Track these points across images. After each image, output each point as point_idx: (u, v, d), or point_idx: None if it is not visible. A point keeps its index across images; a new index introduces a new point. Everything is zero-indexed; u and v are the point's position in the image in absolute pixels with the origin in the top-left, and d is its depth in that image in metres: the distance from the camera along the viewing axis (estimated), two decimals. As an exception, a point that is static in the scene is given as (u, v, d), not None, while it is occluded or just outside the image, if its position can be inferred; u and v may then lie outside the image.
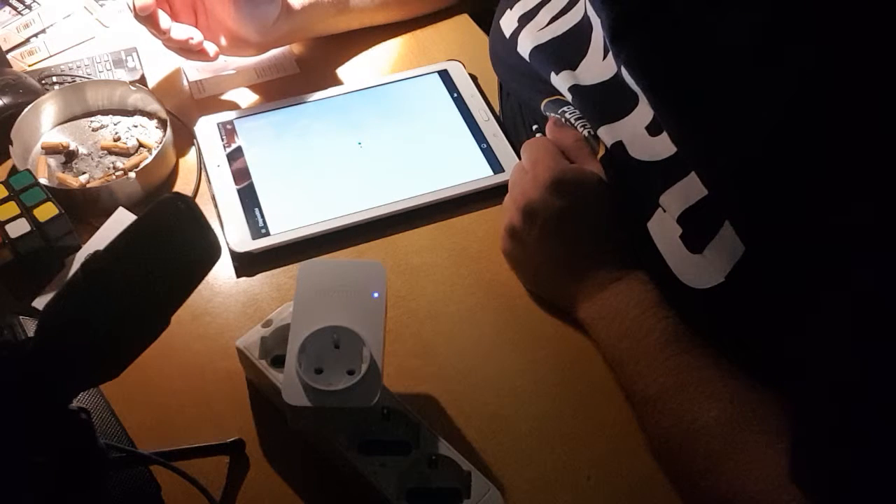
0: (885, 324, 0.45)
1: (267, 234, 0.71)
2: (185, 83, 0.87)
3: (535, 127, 0.76)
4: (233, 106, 0.84)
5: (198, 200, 0.75)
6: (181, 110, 0.83)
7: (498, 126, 0.79)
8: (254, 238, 0.71)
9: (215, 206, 0.74)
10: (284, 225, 0.72)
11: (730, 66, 0.54)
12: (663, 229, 0.60)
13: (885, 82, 0.47)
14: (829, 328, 0.49)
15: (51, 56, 0.89)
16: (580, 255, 0.64)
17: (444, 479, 0.55)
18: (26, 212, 0.67)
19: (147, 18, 0.74)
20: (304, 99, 0.83)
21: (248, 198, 0.74)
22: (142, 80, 0.85)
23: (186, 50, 0.79)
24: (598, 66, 0.67)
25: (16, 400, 0.44)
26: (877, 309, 0.46)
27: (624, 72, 0.62)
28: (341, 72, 0.88)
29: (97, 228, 0.71)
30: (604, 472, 0.59)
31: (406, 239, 0.73)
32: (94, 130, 0.80)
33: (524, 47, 0.75)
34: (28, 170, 0.70)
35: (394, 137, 0.79)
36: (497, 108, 0.82)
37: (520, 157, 0.70)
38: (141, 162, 0.76)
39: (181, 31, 0.77)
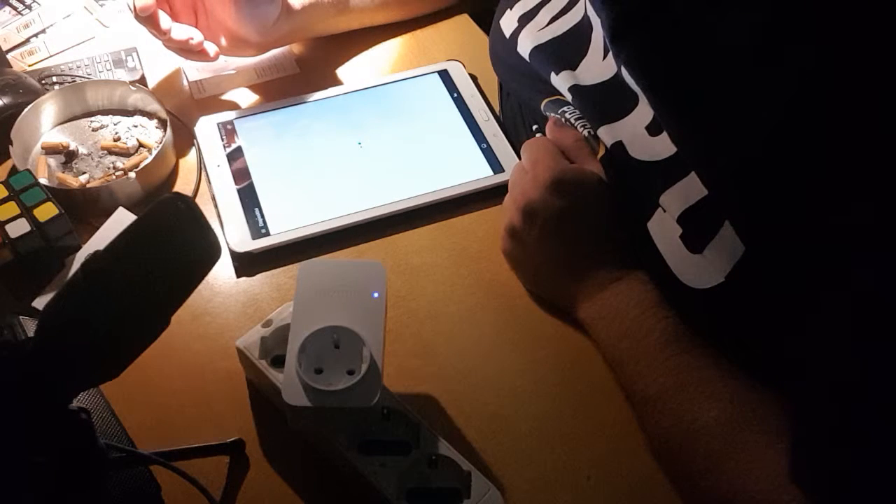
0: (885, 324, 0.45)
1: (267, 234, 0.71)
2: (185, 83, 0.87)
3: (535, 127, 0.76)
4: (233, 106, 0.84)
5: (198, 200, 0.75)
6: (181, 110, 0.83)
7: (498, 126, 0.79)
8: (254, 238, 0.71)
9: (215, 206, 0.74)
10: (284, 225, 0.72)
11: (730, 66, 0.54)
12: (663, 229, 0.60)
13: (885, 82, 0.47)
14: (829, 328, 0.49)
15: (51, 56, 0.89)
16: (580, 255, 0.64)
17: (444, 479, 0.55)
18: (26, 212, 0.67)
19: (147, 19, 0.74)
20: (304, 99, 0.83)
21: (248, 198, 0.74)
22: (142, 80, 0.85)
23: (187, 50, 0.79)
24: (598, 66, 0.67)
25: (16, 400, 0.44)
26: (877, 309, 0.46)
27: (624, 72, 0.62)
28: (341, 72, 0.88)
29: (97, 228, 0.71)
30: (604, 472, 0.59)
31: (406, 239, 0.73)
32: (94, 130, 0.80)
33: (524, 47, 0.75)
34: (28, 170, 0.70)
35: (394, 137, 0.79)
36: (497, 108, 0.82)
37: (520, 157, 0.70)
38: (141, 162, 0.76)
39: (181, 32, 0.77)
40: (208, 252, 0.47)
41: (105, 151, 0.79)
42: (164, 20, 0.75)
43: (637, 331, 0.60)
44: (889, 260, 0.45)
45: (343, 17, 0.87)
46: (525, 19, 0.76)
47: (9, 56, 0.87)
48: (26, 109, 0.77)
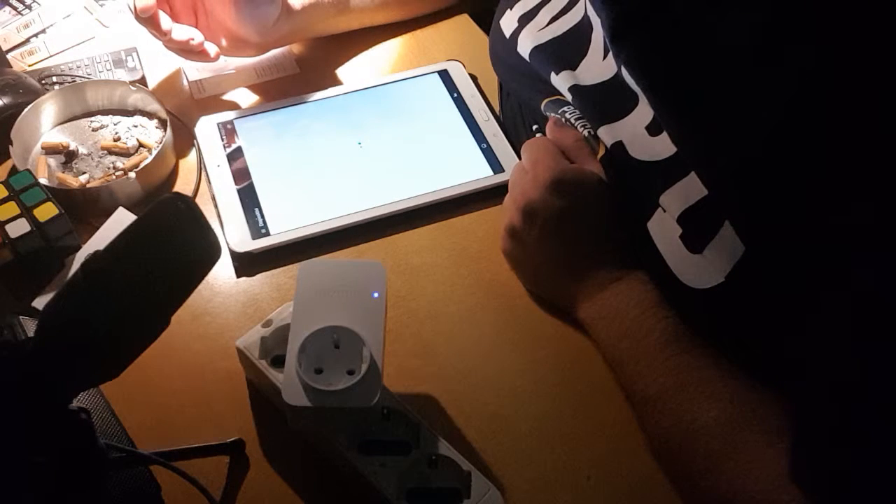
0: (885, 324, 0.45)
1: (267, 234, 0.71)
2: (185, 83, 0.87)
3: (535, 127, 0.76)
4: (233, 106, 0.84)
5: (198, 200, 0.75)
6: (181, 110, 0.83)
7: (498, 126, 0.79)
8: (254, 238, 0.71)
9: (215, 206, 0.74)
10: (284, 225, 0.72)
11: (730, 66, 0.54)
12: (663, 229, 0.60)
13: (885, 82, 0.47)
14: (829, 328, 0.49)
15: (51, 56, 0.89)
16: (580, 255, 0.64)
17: (444, 479, 0.55)
18: (26, 212, 0.67)
19: (148, 20, 0.74)
20: (304, 99, 0.83)
21: (248, 198, 0.74)
22: (142, 81, 0.85)
23: (187, 51, 0.79)
24: (598, 66, 0.67)
25: (16, 400, 0.44)
26: (877, 309, 0.46)
27: (624, 72, 0.62)
28: (341, 72, 0.88)
29: (97, 228, 0.71)
30: (604, 472, 0.59)
31: (406, 239, 0.73)
32: (94, 130, 0.80)
33: (524, 47, 0.75)
34: (28, 170, 0.70)
35: (394, 137, 0.79)
36: (497, 108, 0.82)
37: (520, 157, 0.70)
38: (141, 162, 0.76)
39: (182, 33, 0.77)
40: (208, 252, 0.47)
41: (105, 151, 0.79)
42: (165, 21, 0.75)
43: (637, 331, 0.60)
44: (889, 260, 0.45)
45: (343, 17, 0.87)
46: (525, 19, 0.76)
47: (9, 56, 0.87)
48: (26, 109, 0.77)
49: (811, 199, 0.49)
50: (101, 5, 0.94)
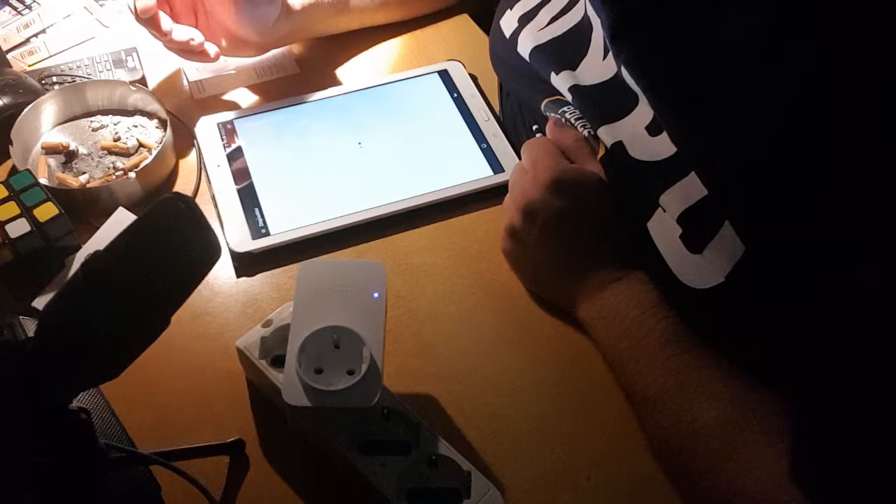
0: (885, 324, 0.45)
1: (267, 234, 0.71)
2: (185, 83, 0.87)
3: (535, 127, 0.76)
4: (233, 106, 0.84)
5: (198, 200, 0.75)
6: (181, 110, 0.83)
7: (498, 126, 0.79)
8: (254, 238, 0.71)
9: (215, 206, 0.74)
10: (284, 225, 0.72)
11: (730, 66, 0.54)
12: (663, 229, 0.60)
13: (885, 82, 0.47)
14: (829, 328, 0.49)
15: (51, 56, 0.89)
16: (580, 255, 0.64)
17: (444, 479, 0.55)
18: (26, 212, 0.67)
19: (149, 20, 0.74)
20: (304, 99, 0.83)
21: (248, 198, 0.74)
22: (142, 81, 0.85)
23: (187, 51, 0.79)
24: (598, 66, 0.67)
25: (16, 400, 0.44)
26: (877, 309, 0.46)
27: (624, 72, 0.62)
28: (341, 72, 0.88)
29: (97, 228, 0.71)
30: (604, 472, 0.59)
31: (406, 239, 0.73)
32: (94, 130, 0.80)
33: (524, 47, 0.75)
34: (28, 170, 0.70)
35: (394, 137, 0.79)
36: (497, 108, 0.82)
37: (520, 157, 0.70)
38: (141, 162, 0.76)
39: (182, 33, 0.77)
40: (208, 252, 0.47)
41: (105, 151, 0.79)
42: (165, 21, 0.75)
43: (637, 331, 0.60)
44: (889, 260, 0.45)
45: (343, 17, 0.87)
46: (525, 19, 0.76)
47: (9, 56, 0.87)
48: (26, 109, 0.77)
49: (811, 199, 0.49)
50: (101, 5, 0.94)
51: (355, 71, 0.88)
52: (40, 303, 0.66)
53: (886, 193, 0.46)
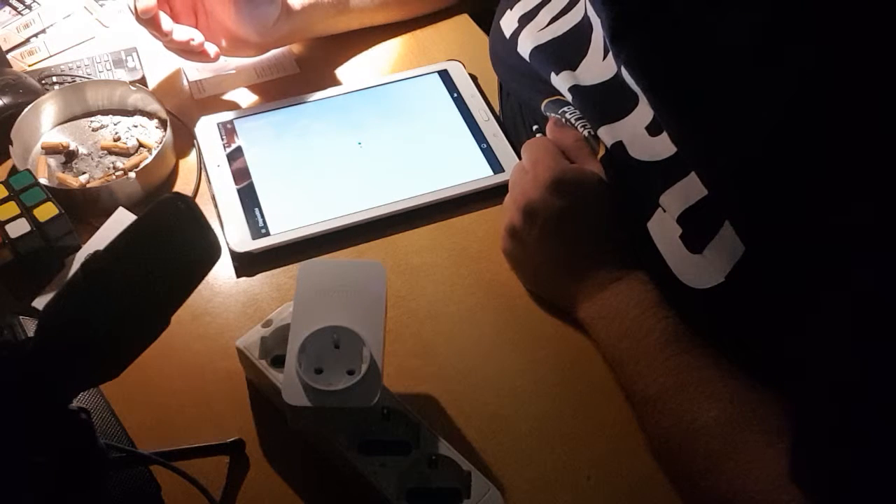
0: (885, 324, 0.45)
1: (267, 234, 0.71)
2: (185, 83, 0.87)
3: (535, 127, 0.76)
4: (233, 106, 0.84)
5: (198, 200, 0.75)
6: (181, 110, 0.83)
7: (498, 126, 0.79)
8: (254, 238, 0.71)
9: (215, 206, 0.74)
10: (284, 225, 0.72)
11: (730, 66, 0.54)
12: (663, 229, 0.60)
13: (885, 82, 0.47)
14: (829, 328, 0.49)
15: (51, 56, 0.89)
16: (580, 255, 0.64)
17: (444, 479, 0.55)
18: (26, 212, 0.67)
19: (149, 21, 0.74)
20: (304, 99, 0.83)
21: (248, 198, 0.74)
22: (142, 81, 0.85)
23: (187, 51, 0.79)
24: (598, 66, 0.67)
25: (16, 400, 0.44)
26: (877, 309, 0.46)
27: (624, 72, 0.62)
28: (341, 72, 0.88)
29: (97, 228, 0.71)
30: (604, 472, 0.59)
31: (406, 239, 0.73)
32: (94, 130, 0.80)
33: (524, 48, 0.75)
34: (28, 170, 0.70)
35: (394, 137, 0.79)
36: (497, 108, 0.82)
37: (520, 157, 0.70)
38: (141, 162, 0.76)
39: (182, 33, 0.77)
40: (208, 252, 0.47)
41: (105, 151, 0.79)
42: (166, 22, 0.75)
43: (637, 331, 0.60)
44: (889, 260, 0.45)
45: (343, 17, 0.87)
46: (525, 20, 0.76)
47: (9, 56, 0.87)
48: (26, 109, 0.77)
49: (811, 199, 0.49)
50: (101, 5, 0.94)
51: (355, 71, 0.88)
52: (40, 303, 0.66)
53: (886, 193, 0.46)
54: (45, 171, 0.76)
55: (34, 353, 0.44)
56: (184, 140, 0.80)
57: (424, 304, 0.68)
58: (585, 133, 0.68)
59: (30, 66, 0.88)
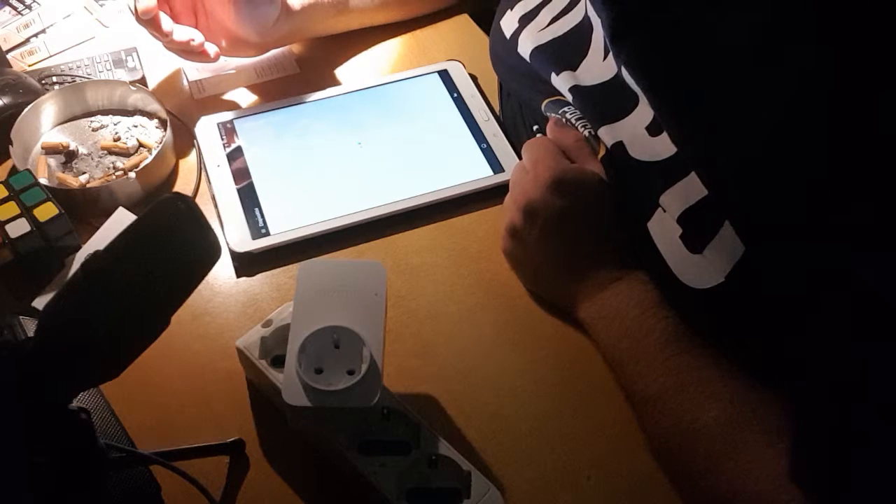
0: (885, 324, 0.45)
1: (267, 234, 0.71)
2: (185, 83, 0.87)
3: (535, 127, 0.76)
4: (233, 106, 0.84)
5: (198, 200, 0.75)
6: (181, 110, 0.83)
7: (498, 126, 0.79)
8: (254, 238, 0.71)
9: (215, 206, 0.74)
10: (284, 225, 0.72)
11: (730, 66, 0.54)
12: (663, 229, 0.60)
13: (885, 82, 0.47)
14: (829, 328, 0.49)
15: (51, 56, 0.89)
16: (580, 255, 0.64)
17: (444, 479, 0.55)
18: (26, 212, 0.67)
19: (149, 21, 0.74)
20: (304, 99, 0.83)
21: (248, 198, 0.74)
22: (142, 81, 0.85)
23: (187, 51, 0.79)
24: (598, 66, 0.67)
25: (16, 400, 0.44)
26: (877, 309, 0.46)
27: (624, 72, 0.62)
28: (341, 72, 0.88)
29: (97, 228, 0.71)
30: (604, 472, 0.59)
31: (406, 239, 0.73)
32: (94, 130, 0.80)
33: (525, 48, 0.75)
34: (28, 170, 0.70)
35: (394, 137, 0.79)
36: (497, 108, 0.82)
37: (520, 157, 0.70)
38: (141, 162, 0.76)
39: (182, 33, 0.77)
40: (208, 252, 0.47)
41: (105, 151, 0.79)
42: (166, 22, 0.75)
43: (637, 331, 0.60)
44: (889, 260, 0.45)
45: (343, 18, 0.87)
46: (526, 20, 0.76)
47: (9, 56, 0.87)
48: (26, 109, 0.77)
49: (811, 199, 0.49)
50: (101, 5, 0.94)
51: (355, 71, 0.88)
52: (40, 303, 0.66)
53: (886, 193, 0.46)
54: (45, 171, 0.76)
55: (34, 353, 0.44)
56: (184, 140, 0.80)
57: (424, 304, 0.68)
58: (586, 133, 0.68)
59: (30, 66, 0.88)
